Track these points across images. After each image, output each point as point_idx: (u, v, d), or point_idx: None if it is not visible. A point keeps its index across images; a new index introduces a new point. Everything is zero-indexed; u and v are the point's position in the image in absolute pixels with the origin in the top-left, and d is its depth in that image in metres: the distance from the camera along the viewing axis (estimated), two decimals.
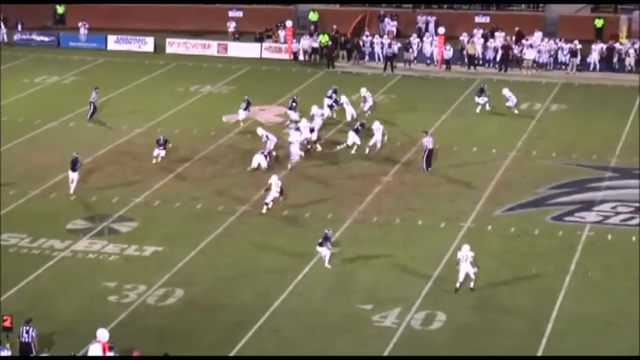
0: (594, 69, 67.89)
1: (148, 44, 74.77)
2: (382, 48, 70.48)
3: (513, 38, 70.12)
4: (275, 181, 43.98)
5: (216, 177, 48.88)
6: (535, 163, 50.34)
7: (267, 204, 43.92)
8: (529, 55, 68.71)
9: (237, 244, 41.38)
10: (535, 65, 68.32)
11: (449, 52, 69.22)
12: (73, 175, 45.37)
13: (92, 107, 56.91)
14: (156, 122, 55.97)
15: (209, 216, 44.06)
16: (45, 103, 59.75)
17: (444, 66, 69.05)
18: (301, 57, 71.62)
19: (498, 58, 69.06)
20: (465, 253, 36.87)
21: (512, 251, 40.79)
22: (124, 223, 43.11)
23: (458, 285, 36.95)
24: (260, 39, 74.26)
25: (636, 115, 57.95)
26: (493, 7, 78.53)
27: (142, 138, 53.77)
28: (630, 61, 68.15)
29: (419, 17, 76.92)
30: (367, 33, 72.96)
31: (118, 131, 54.95)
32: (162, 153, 49.63)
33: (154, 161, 49.63)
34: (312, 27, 75.28)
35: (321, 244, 38.85)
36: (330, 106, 56.25)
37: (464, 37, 70.51)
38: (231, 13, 79.11)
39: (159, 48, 74.12)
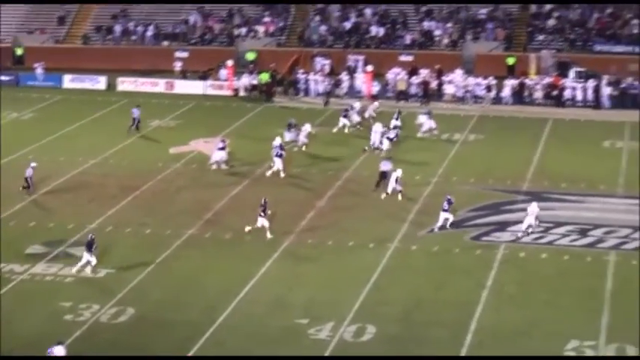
0: (507, 102, 68.48)
1: (100, 82, 74.47)
2: (316, 84, 70.85)
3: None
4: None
5: (164, 204, 48.67)
6: (455, 188, 50.56)
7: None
8: (449, 90, 69.33)
9: (184, 266, 41.20)
10: (455, 99, 68.85)
11: (376, 88, 69.64)
12: (88, 256, 40.14)
13: (135, 122, 59.94)
14: (108, 154, 55.72)
15: (158, 240, 43.82)
16: (5, 138, 59.17)
17: (371, 99, 69.35)
18: (242, 93, 71.67)
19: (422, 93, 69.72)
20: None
21: (435, 268, 40.93)
22: (79, 247, 42.69)
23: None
24: (204, 77, 74.17)
25: (545, 143, 58.53)
26: (416, 47, 79.05)
27: (95, 168, 53.41)
28: (539, 94, 68.90)
29: (349, 56, 77.26)
30: (302, 71, 73.20)
31: (74, 162, 54.55)
32: None
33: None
34: (251, 66, 75.33)
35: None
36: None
37: (390, 74, 71.02)
38: (177, 54, 79.05)
39: (111, 86, 73.82)
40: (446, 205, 44.63)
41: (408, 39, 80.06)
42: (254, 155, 55.40)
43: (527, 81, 70.11)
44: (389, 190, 48.59)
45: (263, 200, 44.21)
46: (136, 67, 77.15)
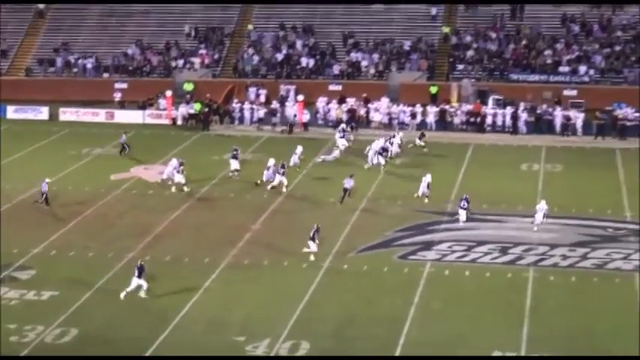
0: (431, 128, 69.02)
1: (43, 113, 73.92)
2: (250, 113, 70.97)
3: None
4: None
5: (106, 228, 48.31)
6: (383, 210, 50.83)
7: None
8: (376, 117, 69.77)
9: (126, 287, 40.84)
10: (381, 126, 69.23)
11: (307, 116, 69.85)
12: (138, 281, 39.46)
13: (123, 147, 60.21)
14: (51, 181, 55.07)
15: (100, 263, 43.43)
16: None
17: (304, 128, 69.59)
18: (179, 122, 71.50)
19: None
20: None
21: (365, 286, 41.01)
22: (23, 271, 42.21)
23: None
24: (143, 107, 73.86)
25: (467, 166, 59.06)
26: (344, 78, 79.43)
27: (40, 195, 52.86)
28: (460, 120, 69.61)
29: (281, 86, 77.44)
30: (236, 100, 73.24)
31: (19, 189, 53.97)
32: None
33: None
34: (188, 96, 75.16)
35: None
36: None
37: (319, 103, 71.34)
38: (117, 85, 78.59)
39: (53, 116, 73.28)
40: (464, 204, 48.38)
41: (336, 69, 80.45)
42: (192, 180, 55.22)
43: (449, 108, 70.81)
44: (420, 193, 52.16)
45: (316, 226, 44.06)
46: (78, 97, 76.60)
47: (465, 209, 48.41)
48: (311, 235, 43.77)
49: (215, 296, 39.84)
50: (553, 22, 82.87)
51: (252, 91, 76.61)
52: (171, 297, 39.63)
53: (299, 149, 58.23)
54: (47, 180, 51.44)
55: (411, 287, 40.63)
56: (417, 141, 63.59)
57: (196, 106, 71.35)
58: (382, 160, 58.52)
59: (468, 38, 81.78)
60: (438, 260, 43.84)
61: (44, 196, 50.82)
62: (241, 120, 71.45)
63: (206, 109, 70.98)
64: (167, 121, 71.77)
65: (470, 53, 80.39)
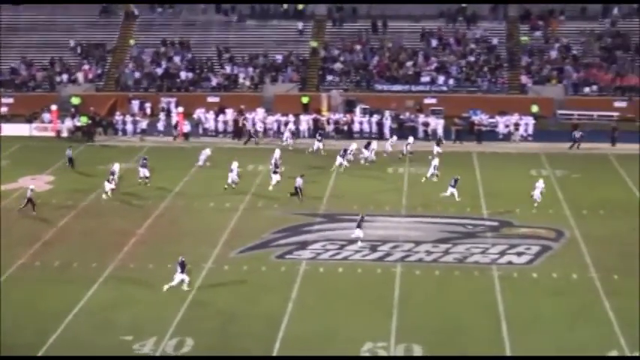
0: (304, 136, 69.21)
1: None
2: (134, 125, 70.21)
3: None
4: None
5: None
6: (260, 213, 50.83)
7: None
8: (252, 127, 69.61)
9: (16, 292, 39.97)
10: (258, 135, 69.13)
11: (187, 127, 69.40)
12: (181, 276, 39.87)
13: (69, 160, 59.43)
14: None
15: None
16: None
17: (184, 138, 69.10)
18: (64, 134, 70.23)
19: (228, 130, 69.99)
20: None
21: (245, 285, 40.93)
22: None
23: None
24: (29, 120, 72.31)
25: (337, 171, 59.32)
26: (221, 90, 79.17)
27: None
28: (331, 128, 70.03)
29: (162, 99, 76.79)
30: (119, 113, 72.34)
31: None
32: None
33: None
34: (73, 109, 73.86)
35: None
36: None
37: (197, 114, 71.01)
38: (3, 100, 76.76)
39: None
40: (452, 182, 51.88)
41: (214, 82, 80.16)
42: (79, 189, 54.40)
43: (321, 117, 71.19)
44: (428, 175, 56.16)
45: (361, 215, 46.49)
46: None
47: (453, 187, 51.63)
48: (357, 222, 45.66)
49: (103, 298, 39.27)
50: (413, 36, 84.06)
51: (134, 103, 75.85)
52: (59, 301, 38.88)
53: (234, 165, 56.69)
54: (32, 187, 50.75)
55: (288, 285, 40.71)
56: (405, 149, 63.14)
57: (83, 119, 70.22)
58: (344, 162, 59.37)
59: (336, 52, 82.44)
60: (312, 259, 44.00)
61: (27, 201, 50.16)
62: (125, 131, 70.62)
63: (89, 122, 69.95)
64: (52, 134, 70.38)
65: (338, 65, 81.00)
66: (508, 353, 34.28)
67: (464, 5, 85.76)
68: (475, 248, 45.20)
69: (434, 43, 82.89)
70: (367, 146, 62.01)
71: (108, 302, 38.90)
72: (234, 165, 55.96)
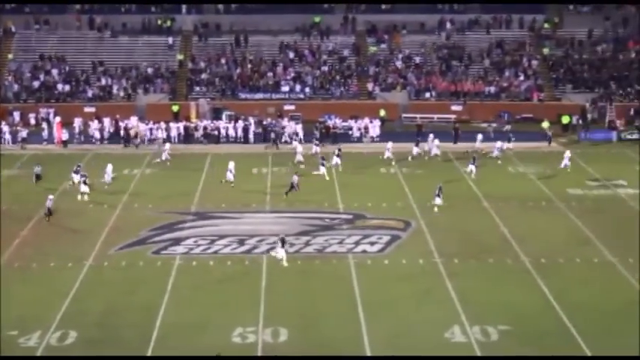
0: (175, 142, 68.43)
1: None
2: (14, 134, 68.21)
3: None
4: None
5: None
6: (137, 213, 50.09)
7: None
8: (132, 132, 68.36)
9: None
10: (142, 142, 67.90)
11: (66, 135, 67.89)
12: (282, 251, 41.92)
13: (36, 176, 56.19)
14: None
15: None
16: None
17: (63, 145, 67.56)
18: None
19: (103, 136, 68.78)
20: None
21: (124, 280, 40.13)
22: None
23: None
24: None
25: (206, 173, 59.03)
26: (97, 100, 77.77)
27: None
28: (200, 134, 69.56)
29: (41, 109, 74.98)
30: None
31: None
32: None
33: None
34: None
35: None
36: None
37: (75, 123, 69.64)
38: None
39: None
40: (437, 191, 50.22)
41: (90, 93, 78.63)
42: None
43: (190, 124, 70.69)
44: (432, 154, 61.91)
45: (439, 185, 49.40)
46: None
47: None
48: (436, 192, 49.58)
49: None
50: (272, 49, 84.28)
51: (16, 114, 73.82)
52: None
53: (109, 167, 55.84)
54: (51, 197, 48.80)
55: (164, 278, 40.19)
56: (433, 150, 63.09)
57: None
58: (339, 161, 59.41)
59: (202, 64, 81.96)
60: (186, 254, 43.59)
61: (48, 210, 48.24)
62: (4, 140, 68.53)
63: None
64: None
65: (204, 76, 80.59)
66: (364, 333, 34.62)
67: (317, 20, 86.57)
68: (333, 239, 45.55)
69: (291, 55, 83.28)
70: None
71: None
72: (109, 168, 55.42)
